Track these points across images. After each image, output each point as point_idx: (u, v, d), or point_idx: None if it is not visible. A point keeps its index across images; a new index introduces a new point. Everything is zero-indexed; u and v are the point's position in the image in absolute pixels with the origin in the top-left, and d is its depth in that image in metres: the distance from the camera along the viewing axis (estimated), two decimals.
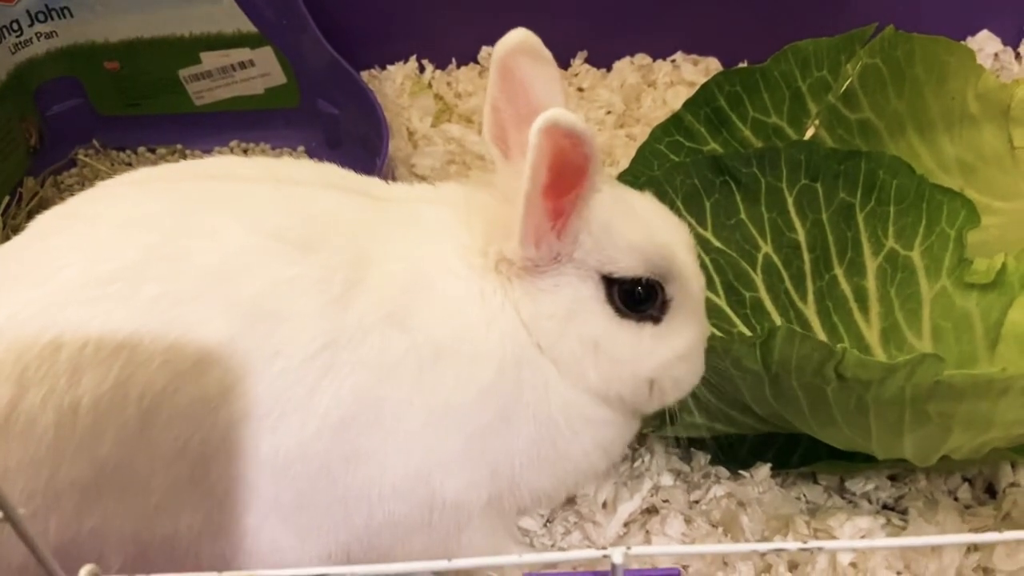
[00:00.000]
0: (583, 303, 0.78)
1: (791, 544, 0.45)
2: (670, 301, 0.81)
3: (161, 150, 1.56)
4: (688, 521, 0.98)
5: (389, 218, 0.80)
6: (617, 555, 0.45)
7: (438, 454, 0.75)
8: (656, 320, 0.80)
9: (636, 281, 0.78)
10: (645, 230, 0.79)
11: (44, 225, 0.76)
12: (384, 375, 0.72)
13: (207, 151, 1.56)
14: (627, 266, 0.78)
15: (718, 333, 0.98)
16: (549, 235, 0.75)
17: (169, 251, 0.70)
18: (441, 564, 0.47)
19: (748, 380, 0.89)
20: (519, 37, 0.80)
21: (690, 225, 1.00)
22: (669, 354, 0.81)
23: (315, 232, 0.74)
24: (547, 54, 0.82)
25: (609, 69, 1.66)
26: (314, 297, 0.71)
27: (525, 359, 0.77)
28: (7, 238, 0.94)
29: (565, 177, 0.71)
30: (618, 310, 0.79)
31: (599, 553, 0.46)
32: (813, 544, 0.44)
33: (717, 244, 1.02)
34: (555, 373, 0.79)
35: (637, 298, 0.79)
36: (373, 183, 0.86)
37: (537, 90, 0.81)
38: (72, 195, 1.51)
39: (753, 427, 0.99)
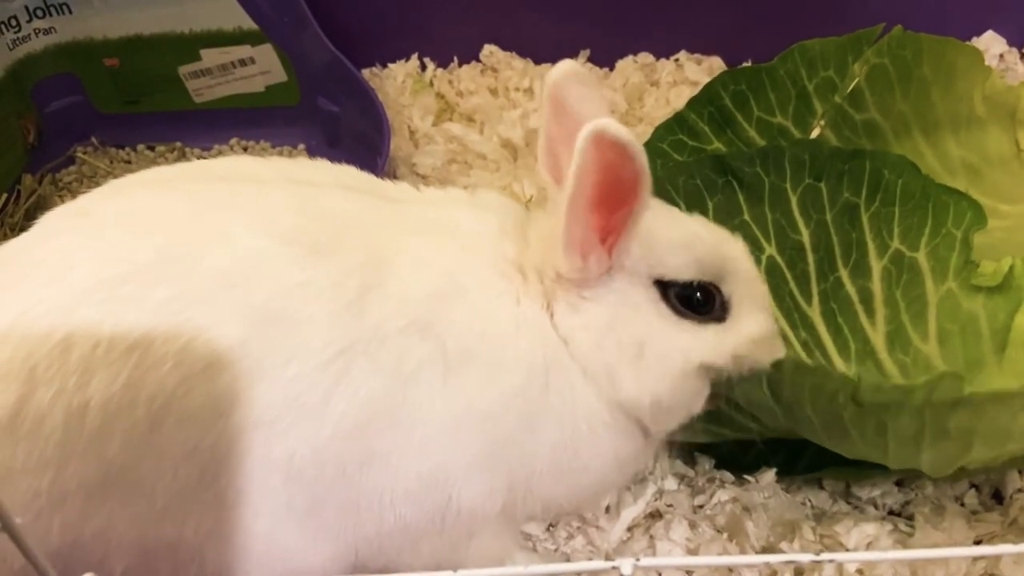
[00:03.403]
0: (631, 308, 0.78)
1: (802, 556, 0.44)
2: (729, 300, 0.80)
3: (160, 148, 1.55)
4: (693, 526, 0.98)
5: (416, 222, 0.79)
6: (626, 566, 0.45)
7: (458, 459, 0.74)
8: (720, 320, 0.80)
9: (689, 285, 0.78)
10: (693, 231, 0.80)
11: (54, 223, 0.75)
12: (404, 379, 0.71)
13: (207, 149, 1.55)
14: (677, 267, 0.78)
15: None
16: (598, 249, 0.75)
17: (181, 253, 0.69)
18: (446, 574, 0.46)
19: (760, 408, 0.88)
20: (568, 67, 0.81)
21: None
22: (733, 344, 0.80)
23: (330, 235, 0.73)
24: (593, 80, 0.84)
25: (612, 68, 1.65)
26: (328, 302, 0.70)
27: (553, 362, 0.76)
28: (5, 236, 0.93)
29: (616, 194, 0.71)
30: (676, 310, 0.78)
31: (607, 564, 0.45)
32: (824, 556, 0.44)
33: None
34: (582, 378, 0.78)
35: (696, 302, 0.79)
36: (391, 186, 0.86)
37: (587, 114, 0.81)
38: (70, 193, 1.51)
39: (761, 432, 0.98)
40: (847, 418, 0.83)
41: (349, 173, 0.84)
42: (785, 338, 0.98)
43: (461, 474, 0.74)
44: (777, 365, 0.82)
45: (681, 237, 0.78)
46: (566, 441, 0.78)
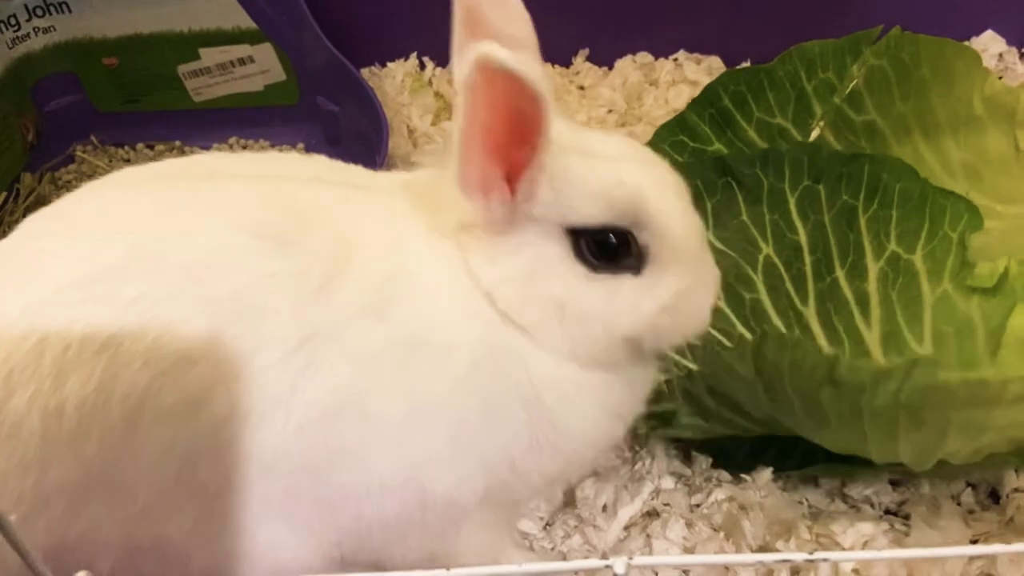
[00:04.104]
0: (546, 262, 0.73)
1: (797, 555, 0.44)
2: (647, 248, 0.73)
3: (160, 147, 1.56)
4: (689, 525, 0.98)
5: (370, 208, 0.78)
6: (619, 565, 0.45)
7: (424, 450, 0.73)
8: (636, 271, 0.74)
9: (603, 231, 0.72)
10: (608, 173, 0.72)
11: (32, 226, 0.75)
12: (366, 368, 0.71)
13: (206, 148, 1.55)
14: (589, 214, 0.71)
15: (723, 307, 0.97)
16: (501, 187, 0.70)
17: (149, 251, 0.69)
18: (439, 573, 0.46)
19: (742, 386, 0.88)
20: None
21: None
22: (652, 306, 0.74)
23: (296, 226, 0.72)
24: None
25: (611, 67, 1.65)
26: (292, 292, 0.70)
27: (498, 341, 0.73)
28: (4, 234, 0.93)
29: (516, 126, 0.66)
30: (590, 265, 0.73)
31: (601, 563, 0.45)
32: (819, 556, 0.44)
33: (718, 245, 1.02)
34: (532, 348, 0.74)
35: (610, 249, 0.72)
36: (359, 172, 0.84)
37: (503, 28, 0.76)
38: (69, 191, 1.51)
39: (750, 429, 0.98)
40: (824, 399, 0.83)
41: (318, 163, 0.84)
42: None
43: (431, 465, 0.73)
44: (761, 339, 0.81)
45: (596, 183, 0.71)
46: (535, 419, 0.75)
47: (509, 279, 0.73)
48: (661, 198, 0.74)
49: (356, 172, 0.84)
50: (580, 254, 0.73)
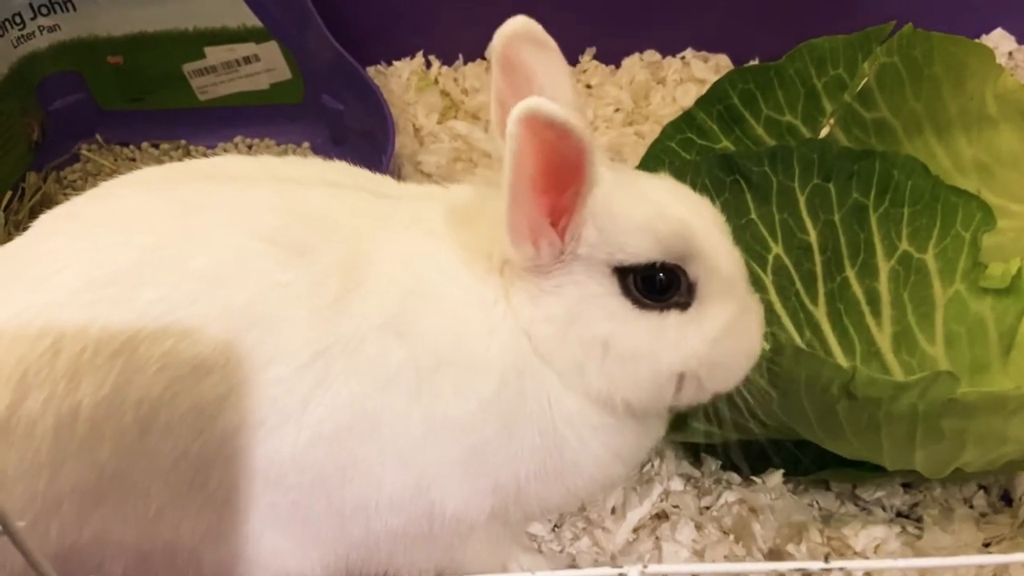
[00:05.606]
0: (590, 302, 0.72)
1: (812, 564, 0.43)
2: (696, 283, 0.73)
3: (164, 145, 1.55)
4: (699, 528, 0.97)
5: (394, 218, 0.77)
6: (633, 573, 0.44)
7: (437, 467, 0.72)
8: (684, 307, 0.73)
9: (652, 267, 0.71)
10: (655, 209, 0.72)
11: (44, 226, 0.75)
12: (381, 385, 0.70)
13: (211, 147, 1.55)
14: (638, 251, 0.71)
15: None
16: (549, 233, 0.70)
17: (165, 254, 0.68)
18: None
19: (756, 394, 0.88)
20: (518, 25, 0.76)
21: None
22: (699, 341, 0.73)
23: (312, 234, 0.72)
24: (550, 42, 0.78)
25: (618, 66, 1.64)
26: (307, 303, 0.69)
27: (527, 369, 0.74)
28: (9, 234, 0.93)
29: (561, 173, 0.67)
30: (636, 301, 0.72)
31: (615, 571, 0.44)
32: (835, 564, 0.43)
33: None
34: (557, 383, 0.75)
35: (659, 285, 0.72)
36: (382, 181, 0.84)
37: (542, 81, 0.77)
38: (75, 190, 1.51)
39: (762, 434, 0.97)
40: (840, 411, 0.82)
41: (336, 168, 0.83)
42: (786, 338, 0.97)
43: (443, 481, 0.73)
44: (776, 350, 0.80)
45: (643, 219, 0.71)
46: (548, 446, 0.75)
47: (551, 319, 0.73)
48: (707, 231, 0.74)
49: (382, 181, 0.84)
50: (627, 290, 0.73)
